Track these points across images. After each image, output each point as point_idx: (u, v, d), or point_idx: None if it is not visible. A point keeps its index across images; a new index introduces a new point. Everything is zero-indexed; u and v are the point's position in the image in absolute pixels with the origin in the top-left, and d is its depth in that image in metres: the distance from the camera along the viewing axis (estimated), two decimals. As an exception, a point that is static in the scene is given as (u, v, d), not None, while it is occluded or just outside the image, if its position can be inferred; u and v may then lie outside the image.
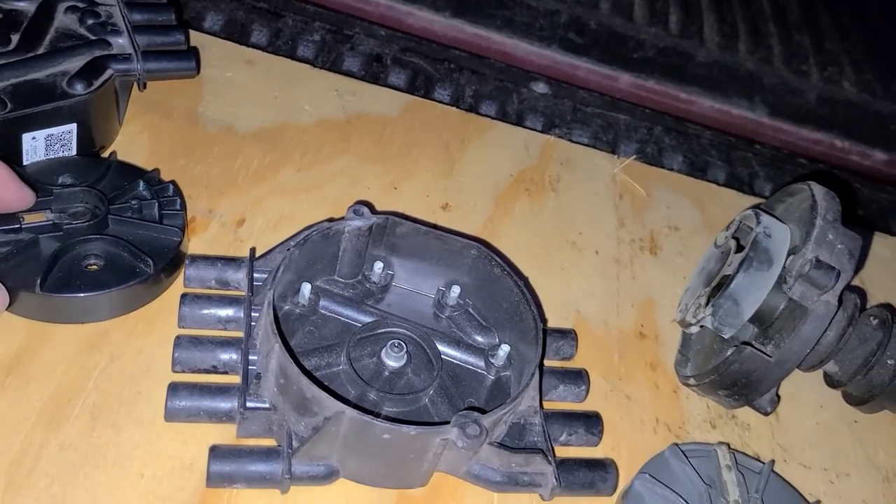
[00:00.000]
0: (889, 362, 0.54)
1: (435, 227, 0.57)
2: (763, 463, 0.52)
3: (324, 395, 0.43)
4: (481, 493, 0.49)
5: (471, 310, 0.57)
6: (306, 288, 0.53)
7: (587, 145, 0.81)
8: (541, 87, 0.89)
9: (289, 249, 0.51)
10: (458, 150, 0.73)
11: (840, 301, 0.50)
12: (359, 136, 0.70)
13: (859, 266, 0.68)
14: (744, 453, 0.53)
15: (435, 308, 0.57)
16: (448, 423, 0.44)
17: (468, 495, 0.49)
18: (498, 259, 0.54)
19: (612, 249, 0.68)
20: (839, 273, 0.49)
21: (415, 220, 0.55)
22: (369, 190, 0.66)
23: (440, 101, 0.80)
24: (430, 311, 0.57)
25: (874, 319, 0.55)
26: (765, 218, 0.54)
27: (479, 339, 0.56)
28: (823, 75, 1.03)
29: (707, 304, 0.54)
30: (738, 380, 0.51)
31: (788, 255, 0.52)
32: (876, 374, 0.54)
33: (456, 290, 0.56)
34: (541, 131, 0.80)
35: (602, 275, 0.65)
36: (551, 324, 0.60)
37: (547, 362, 0.56)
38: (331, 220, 0.54)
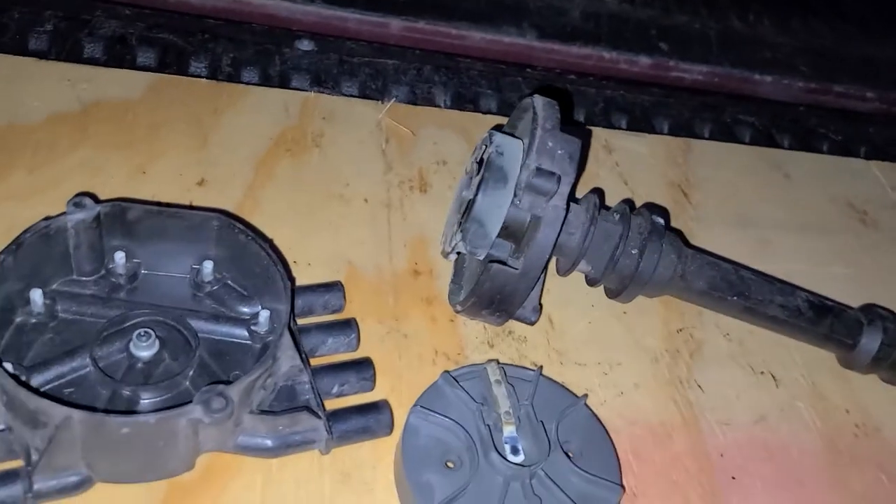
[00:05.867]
0: (633, 252, 0.57)
1: (171, 205, 0.54)
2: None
3: (46, 402, 0.41)
4: (258, 462, 0.48)
5: (230, 282, 0.55)
6: (36, 294, 0.49)
7: (356, 96, 0.80)
8: (305, 45, 0.87)
9: (-1, 258, 0.47)
10: (211, 122, 0.70)
11: (569, 204, 0.52)
12: (97, 124, 0.66)
13: (581, 166, 0.71)
14: (518, 366, 0.55)
15: (193, 288, 0.55)
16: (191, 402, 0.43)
17: (244, 468, 0.48)
18: (240, 226, 0.53)
19: (381, 195, 0.68)
20: (560, 177, 0.50)
21: (163, 204, 0.53)
22: (113, 179, 0.62)
23: (196, 76, 0.77)
24: (188, 293, 0.55)
25: (616, 215, 0.58)
26: (497, 137, 0.55)
27: (244, 309, 0.54)
28: (586, -8, 1.06)
29: (459, 230, 0.55)
30: (494, 296, 0.53)
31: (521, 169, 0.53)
32: (623, 265, 0.57)
33: (209, 265, 0.54)
34: (306, 90, 0.78)
35: (372, 221, 0.65)
36: (322, 279, 0.59)
37: (316, 319, 0.55)
38: (48, 218, 0.50)
